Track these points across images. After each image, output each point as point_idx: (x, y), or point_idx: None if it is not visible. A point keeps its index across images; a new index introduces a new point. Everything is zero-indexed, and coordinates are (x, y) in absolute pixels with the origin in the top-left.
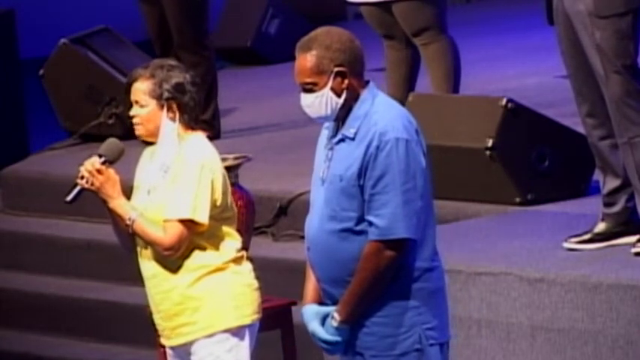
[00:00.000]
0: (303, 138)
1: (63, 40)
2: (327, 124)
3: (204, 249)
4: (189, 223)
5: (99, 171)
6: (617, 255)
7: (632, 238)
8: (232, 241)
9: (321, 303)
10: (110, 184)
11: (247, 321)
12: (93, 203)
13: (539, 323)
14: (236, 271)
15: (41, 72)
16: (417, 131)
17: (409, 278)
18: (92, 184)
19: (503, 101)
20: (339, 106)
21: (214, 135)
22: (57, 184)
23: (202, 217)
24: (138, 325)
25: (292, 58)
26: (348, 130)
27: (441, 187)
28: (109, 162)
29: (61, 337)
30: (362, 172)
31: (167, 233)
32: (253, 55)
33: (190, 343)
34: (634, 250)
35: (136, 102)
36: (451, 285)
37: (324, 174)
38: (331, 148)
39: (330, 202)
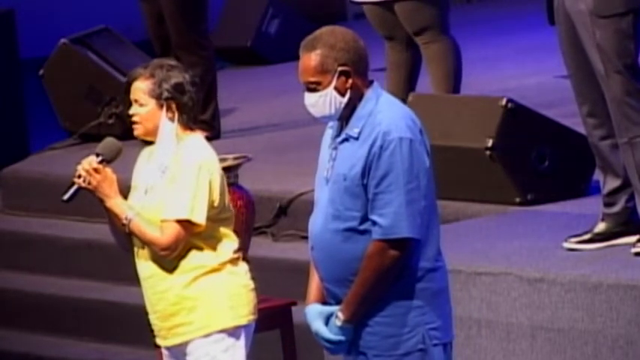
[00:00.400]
0: (303, 138)
1: (63, 40)
2: (331, 124)
3: (201, 249)
4: (186, 224)
5: (96, 170)
6: (617, 255)
7: (632, 238)
8: (229, 242)
9: (324, 302)
10: (107, 183)
11: (243, 321)
12: (92, 203)
13: (539, 323)
14: (232, 272)
15: (41, 72)
16: (421, 131)
17: (413, 278)
18: (89, 183)
19: (503, 101)
20: (342, 105)
21: (214, 135)
22: (57, 184)
23: (200, 217)
24: (138, 325)
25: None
26: (351, 129)
27: (440, 187)
28: (106, 161)
29: (61, 337)
30: (366, 171)
31: (164, 233)
32: (253, 55)
33: (186, 344)
34: (634, 250)
35: (136, 101)
36: (451, 285)
37: (328, 173)
38: (335, 148)
39: (333, 202)
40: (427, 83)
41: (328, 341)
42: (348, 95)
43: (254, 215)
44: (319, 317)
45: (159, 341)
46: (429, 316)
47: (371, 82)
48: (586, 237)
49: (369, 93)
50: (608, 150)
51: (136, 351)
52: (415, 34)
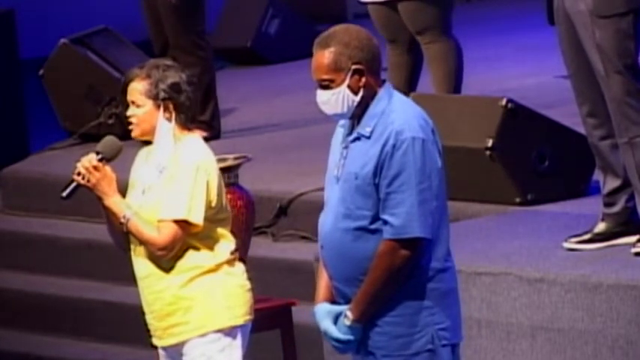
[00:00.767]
0: (303, 138)
1: (63, 40)
2: (341, 123)
3: (197, 250)
4: (183, 224)
5: (95, 168)
6: (617, 255)
7: (632, 238)
8: (226, 243)
9: (333, 302)
10: (106, 181)
11: (240, 321)
12: (93, 203)
13: (539, 323)
14: (229, 272)
15: (41, 72)
16: (433, 131)
17: (422, 278)
18: (88, 181)
19: (503, 101)
20: (355, 103)
21: (214, 135)
22: (57, 184)
23: (197, 218)
24: (138, 325)
25: (292, 58)
26: (363, 128)
27: None
28: (106, 159)
29: (61, 337)
30: (377, 170)
31: (161, 233)
32: (253, 55)
33: (182, 344)
34: (634, 250)
35: (132, 102)
36: None
37: (339, 172)
38: (346, 147)
39: (344, 201)
40: (428, 83)
41: (337, 341)
42: (360, 94)
43: (254, 215)
44: (328, 316)
45: (155, 341)
46: (439, 316)
47: (383, 82)
48: (586, 237)
49: (381, 92)
50: (608, 150)
51: (135, 351)
52: (417, 34)
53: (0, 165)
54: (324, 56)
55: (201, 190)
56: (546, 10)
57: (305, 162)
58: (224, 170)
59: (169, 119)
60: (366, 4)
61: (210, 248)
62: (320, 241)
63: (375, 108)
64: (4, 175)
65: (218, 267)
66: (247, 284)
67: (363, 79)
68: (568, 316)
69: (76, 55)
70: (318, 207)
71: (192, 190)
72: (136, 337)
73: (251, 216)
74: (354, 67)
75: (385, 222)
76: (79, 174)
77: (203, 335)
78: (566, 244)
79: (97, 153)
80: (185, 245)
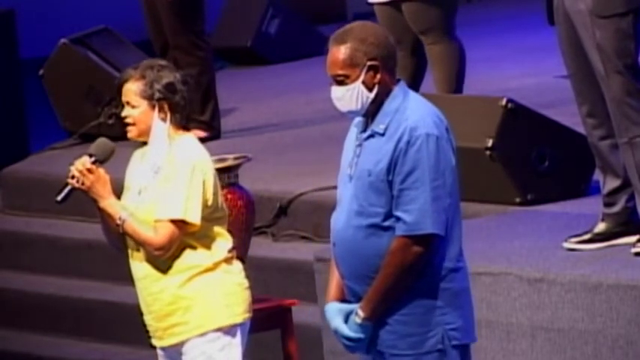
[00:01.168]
0: (303, 138)
1: (63, 40)
2: (355, 122)
3: (195, 249)
4: (180, 224)
5: (89, 170)
6: (617, 255)
7: (632, 238)
8: (223, 242)
9: (343, 301)
10: (101, 183)
11: (239, 320)
12: (92, 203)
13: (539, 323)
14: (227, 271)
15: (41, 72)
16: (448, 129)
17: (434, 277)
18: (83, 184)
19: (503, 101)
20: (369, 100)
21: (214, 135)
22: (57, 184)
23: (194, 217)
24: (138, 325)
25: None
26: (377, 126)
27: None
28: (99, 161)
29: (61, 337)
30: (391, 167)
31: (158, 233)
32: (253, 55)
33: (182, 343)
34: (634, 250)
35: (127, 103)
36: None
37: (352, 170)
38: (360, 144)
39: (357, 198)
40: (430, 83)
41: (348, 339)
42: (375, 90)
43: (254, 215)
44: (339, 315)
45: (154, 342)
46: (450, 316)
47: (398, 80)
48: (586, 237)
49: (396, 90)
50: (608, 150)
51: (135, 351)
52: (420, 34)
53: (0, 165)
54: (339, 51)
55: (198, 190)
56: (546, 11)
57: (305, 162)
58: (224, 170)
59: (164, 119)
60: (372, 4)
61: (208, 247)
62: (332, 239)
63: (389, 106)
64: (4, 175)
65: (216, 266)
66: (245, 282)
67: (378, 76)
68: (568, 316)
69: (76, 55)
70: (318, 207)
71: (188, 189)
72: (136, 337)
73: (251, 216)
74: (369, 63)
75: (398, 219)
76: (72, 177)
77: (203, 334)
78: (566, 244)
79: (90, 155)
80: (182, 245)
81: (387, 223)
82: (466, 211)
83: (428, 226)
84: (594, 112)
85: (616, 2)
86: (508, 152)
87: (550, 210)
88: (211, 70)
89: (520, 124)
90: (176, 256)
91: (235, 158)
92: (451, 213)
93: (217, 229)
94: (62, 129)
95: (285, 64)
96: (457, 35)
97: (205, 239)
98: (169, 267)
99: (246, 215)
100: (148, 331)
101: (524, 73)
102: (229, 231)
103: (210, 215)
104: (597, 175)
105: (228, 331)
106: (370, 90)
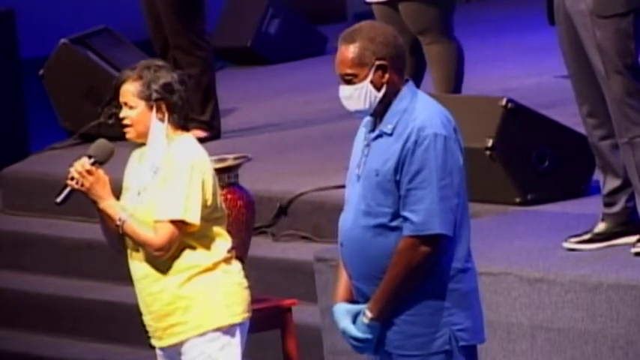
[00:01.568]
0: (303, 138)
1: (63, 40)
2: (364, 122)
3: (194, 249)
4: (180, 224)
5: (89, 172)
6: (617, 255)
7: (632, 238)
8: (222, 242)
9: (351, 301)
10: (100, 184)
11: (238, 319)
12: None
13: (539, 323)
14: (226, 270)
15: (41, 72)
16: (455, 129)
17: (442, 278)
18: (82, 185)
19: (503, 101)
20: (377, 100)
21: (214, 135)
22: (57, 184)
23: (194, 217)
24: (138, 325)
25: (292, 58)
26: (385, 126)
27: None
28: (98, 163)
29: (61, 337)
30: (399, 167)
31: (157, 234)
32: (253, 55)
33: (181, 343)
34: (634, 250)
35: (125, 104)
36: None
37: (360, 170)
38: (368, 145)
39: (365, 198)
40: (429, 84)
41: (355, 339)
42: (383, 90)
43: (254, 215)
44: (347, 315)
45: (154, 342)
46: (457, 317)
47: (406, 80)
48: (586, 237)
49: (404, 90)
50: (609, 150)
51: (135, 351)
52: (418, 34)
53: (0, 165)
54: (348, 50)
55: (197, 190)
56: (546, 11)
57: (305, 162)
58: (224, 170)
59: (162, 119)
60: (370, 3)
61: (207, 247)
62: (340, 239)
63: (397, 106)
64: (4, 175)
65: (215, 266)
66: (245, 282)
67: (387, 76)
68: (568, 316)
69: (76, 55)
70: (318, 207)
71: (187, 189)
72: (136, 337)
73: (251, 216)
74: (377, 62)
75: (405, 219)
76: (72, 178)
77: (202, 334)
78: (566, 244)
79: (90, 157)
80: (182, 245)
81: (394, 224)
82: None
83: (435, 226)
84: (595, 112)
85: (616, 2)
86: (508, 152)
87: (550, 210)
88: (212, 70)
89: (520, 124)
90: (176, 256)
91: (235, 158)
92: (459, 213)
93: (216, 229)
94: (62, 129)
95: (285, 64)
96: (455, 35)
97: (205, 239)
98: (169, 267)
99: (246, 215)
100: (147, 332)
101: (524, 73)
102: (229, 231)
103: (210, 215)
104: (597, 175)
105: (228, 330)
106: (378, 89)
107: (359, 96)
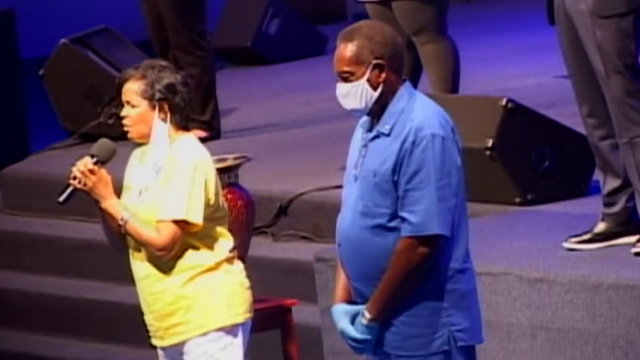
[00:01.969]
0: (303, 138)
1: (63, 40)
2: (361, 122)
3: (197, 249)
4: (182, 224)
5: (91, 171)
6: (617, 255)
7: (632, 238)
8: (225, 241)
9: (350, 302)
10: (103, 184)
11: (240, 319)
12: (93, 203)
13: (539, 323)
14: (228, 270)
15: (41, 72)
16: (453, 130)
17: (441, 278)
18: (85, 185)
19: (503, 101)
20: (373, 99)
21: (214, 135)
22: (57, 184)
23: (196, 217)
24: (138, 325)
25: (292, 58)
26: (383, 126)
27: None
28: (101, 162)
29: (61, 337)
30: (397, 167)
31: (160, 234)
32: (253, 55)
33: (183, 343)
34: (634, 250)
35: (127, 102)
36: None
37: (358, 170)
38: (365, 145)
39: (362, 198)
40: (426, 84)
41: (354, 340)
42: (380, 89)
43: (254, 215)
44: (345, 316)
45: (155, 342)
46: (456, 317)
47: (404, 81)
48: (586, 237)
49: (401, 90)
50: (608, 150)
51: (135, 351)
52: (412, 35)
53: (0, 165)
54: (346, 48)
55: (200, 190)
56: (546, 10)
57: (305, 162)
58: (224, 170)
59: (164, 120)
60: (363, 2)
61: (209, 247)
62: (337, 240)
63: (395, 106)
64: (4, 175)
65: (217, 265)
66: (246, 282)
67: (383, 75)
68: (568, 316)
69: (76, 55)
70: (318, 207)
71: (190, 189)
72: (136, 337)
73: (251, 216)
74: (375, 61)
75: (403, 219)
76: (74, 178)
77: (204, 334)
78: (566, 244)
79: (92, 156)
80: (184, 245)
81: (392, 224)
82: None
83: (434, 226)
84: (595, 113)
85: (617, 2)
86: (508, 152)
87: (550, 210)
88: (212, 69)
89: (520, 124)
90: (178, 256)
91: (235, 158)
92: (457, 214)
93: (219, 228)
94: (62, 129)
95: (285, 64)
96: (452, 34)
97: (207, 239)
98: (171, 267)
99: (246, 215)
100: (148, 331)
101: (524, 73)
102: (230, 230)
103: (212, 215)
104: (597, 175)
105: (230, 330)
106: (375, 89)
107: (355, 94)
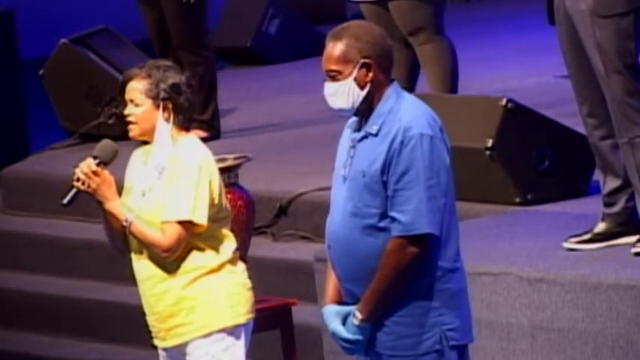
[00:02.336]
0: (303, 138)
1: (63, 40)
2: (349, 123)
3: (201, 250)
4: (187, 225)
5: (95, 173)
6: (617, 255)
7: (632, 238)
8: (229, 243)
9: (341, 303)
10: (106, 185)
11: (242, 320)
12: (93, 203)
13: (539, 323)
14: (231, 271)
15: (41, 72)
16: (442, 129)
17: (431, 278)
18: (88, 186)
19: (503, 101)
20: (360, 98)
21: (214, 135)
22: (57, 184)
23: (201, 218)
24: (138, 325)
25: (292, 58)
26: (371, 127)
27: None
28: (103, 163)
29: (61, 337)
30: (385, 167)
31: (165, 235)
32: (253, 55)
33: (185, 344)
34: (634, 250)
35: (131, 101)
36: None
37: (346, 171)
38: (354, 146)
39: (352, 199)
40: (424, 84)
41: (346, 341)
42: (367, 89)
43: (254, 215)
44: (336, 317)
45: (157, 342)
46: (447, 317)
47: (392, 81)
48: (586, 237)
49: (389, 91)
50: (608, 150)
51: (135, 351)
52: (409, 35)
53: (0, 165)
54: (334, 47)
55: (205, 191)
56: (546, 10)
57: (305, 162)
58: (224, 170)
59: (168, 119)
60: (357, 2)
61: (214, 248)
62: (327, 241)
63: (382, 107)
64: (4, 175)
65: (221, 266)
66: (248, 283)
67: (371, 74)
68: (568, 316)
69: (76, 55)
70: (318, 207)
71: (195, 190)
72: (136, 337)
73: (251, 216)
74: (362, 60)
75: (393, 219)
76: (78, 180)
77: (207, 335)
78: (566, 244)
79: (95, 157)
80: (189, 246)
81: (382, 224)
82: (466, 211)
83: (423, 225)
84: (595, 112)
85: (616, 2)
86: (508, 152)
87: (550, 210)
88: (214, 69)
89: (520, 124)
90: (182, 257)
91: (235, 158)
92: (447, 213)
93: (223, 230)
94: (62, 129)
95: (285, 64)
96: (450, 34)
97: (212, 240)
98: (176, 268)
99: (246, 215)
100: (149, 332)
101: (524, 73)
102: (231, 230)
103: (216, 215)
104: (597, 175)
105: (233, 331)
106: (362, 88)
107: (342, 93)
